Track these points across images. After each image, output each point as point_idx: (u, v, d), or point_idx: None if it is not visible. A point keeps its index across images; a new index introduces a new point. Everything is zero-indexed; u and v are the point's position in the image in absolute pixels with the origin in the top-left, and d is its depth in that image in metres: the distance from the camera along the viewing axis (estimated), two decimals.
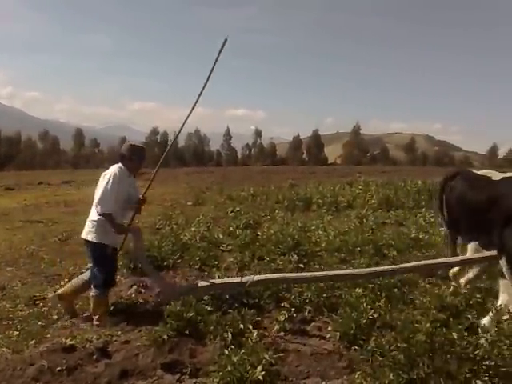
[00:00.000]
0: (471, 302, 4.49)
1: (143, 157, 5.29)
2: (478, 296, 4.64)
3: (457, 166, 62.05)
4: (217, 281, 5.20)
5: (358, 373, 3.52)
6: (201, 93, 5.08)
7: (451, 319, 3.98)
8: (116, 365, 3.90)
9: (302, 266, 6.43)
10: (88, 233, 4.98)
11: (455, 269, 5.24)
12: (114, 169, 5.01)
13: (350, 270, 5.15)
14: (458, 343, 3.53)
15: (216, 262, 6.85)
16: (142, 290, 5.93)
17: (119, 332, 4.60)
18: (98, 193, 4.87)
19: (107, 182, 4.85)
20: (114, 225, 4.87)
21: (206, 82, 5.01)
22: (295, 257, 6.69)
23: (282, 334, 4.61)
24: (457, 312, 4.32)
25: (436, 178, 20.20)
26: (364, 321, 4.30)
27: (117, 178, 4.90)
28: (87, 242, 5.00)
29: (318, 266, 6.28)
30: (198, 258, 6.98)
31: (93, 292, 5.00)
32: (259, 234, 8.41)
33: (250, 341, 4.09)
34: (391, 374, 3.42)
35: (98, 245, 4.92)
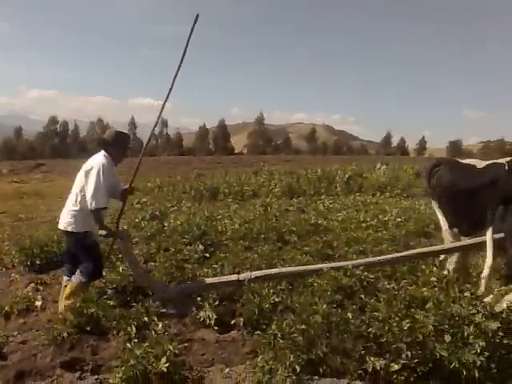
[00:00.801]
0: (365, 284, 4.72)
1: (128, 144, 5.02)
2: (370, 277, 4.89)
3: (355, 155, 65.15)
4: (213, 279, 5.09)
5: (261, 357, 3.58)
6: (174, 79, 4.83)
7: (346, 300, 4.16)
8: (11, 366, 3.68)
9: (207, 255, 6.42)
10: (68, 224, 4.66)
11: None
12: (101, 159, 4.66)
13: (348, 262, 5.16)
14: (352, 322, 3.71)
15: (121, 256, 6.63)
16: (40, 288, 5.61)
17: (15, 332, 4.34)
18: (88, 187, 4.52)
19: (97, 175, 4.51)
20: (102, 224, 4.64)
21: (180, 66, 4.78)
22: (201, 246, 6.67)
23: (187, 322, 4.59)
24: (351, 293, 4.52)
25: (334, 165, 21.13)
26: (266, 305, 4.39)
27: (106, 169, 4.59)
28: (69, 233, 4.70)
29: (223, 255, 6.29)
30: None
31: (78, 278, 4.66)
32: (165, 225, 8.27)
33: (153, 333, 4.02)
34: (291, 356, 3.52)
35: (83, 234, 4.66)
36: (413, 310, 3.70)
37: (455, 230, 5.50)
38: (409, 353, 3.35)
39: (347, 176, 17.04)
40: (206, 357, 4.00)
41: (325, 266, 5.04)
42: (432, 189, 5.85)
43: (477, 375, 3.22)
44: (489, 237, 4.70)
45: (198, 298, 4.82)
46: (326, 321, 3.73)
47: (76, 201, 4.67)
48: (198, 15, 4.70)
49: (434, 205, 5.82)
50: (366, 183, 16.34)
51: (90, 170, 4.58)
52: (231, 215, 9.62)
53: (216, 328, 4.45)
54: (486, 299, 3.77)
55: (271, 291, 4.71)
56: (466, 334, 3.41)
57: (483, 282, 4.52)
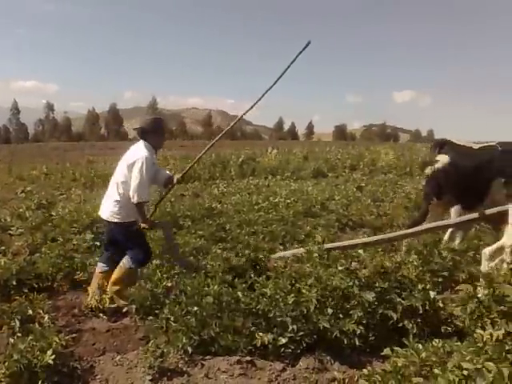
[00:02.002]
0: (254, 264, 4.85)
1: (165, 129, 4.96)
2: (261, 257, 5.02)
3: (249, 139, 66.11)
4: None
5: (152, 341, 3.54)
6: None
7: (237, 279, 4.23)
8: None
9: (98, 243, 6.18)
10: (112, 214, 4.54)
11: None
12: (142, 150, 4.49)
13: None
14: (242, 301, 3.79)
15: (3, 248, 6.17)
16: None
17: None
18: (131, 181, 4.39)
19: (140, 169, 4.37)
20: (144, 217, 4.54)
21: (276, 82, 4.83)
22: (89, 235, 6.40)
23: (77, 313, 4.42)
24: (242, 272, 4.61)
25: (228, 150, 21.33)
26: (159, 290, 4.34)
27: (149, 162, 4.43)
28: (114, 223, 4.56)
29: None
30: None
31: (129, 264, 4.54)
32: (53, 214, 7.82)
33: (38, 326, 3.80)
34: (184, 338, 3.53)
35: (129, 223, 4.54)
36: (297, 285, 3.85)
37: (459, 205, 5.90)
38: (295, 326, 3.49)
39: (241, 160, 17.29)
40: (97, 346, 3.87)
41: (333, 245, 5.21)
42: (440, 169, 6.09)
43: (357, 343, 3.44)
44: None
45: (89, 288, 4.66)
46: (217, 301, 3.77)
47: (119, 192, 4.53)
48: (309, 42, 4.68)
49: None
50: (258, 167, 16.71)
51: (134, 163, 4.42)
52: None
53: (107, 317, 4.33)
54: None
55: (164, 276, 4.66)
56: (345, 305, 3.63)
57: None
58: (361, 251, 4.24)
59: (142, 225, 4.58)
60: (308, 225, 7.28)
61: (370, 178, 14.41)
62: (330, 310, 3.57)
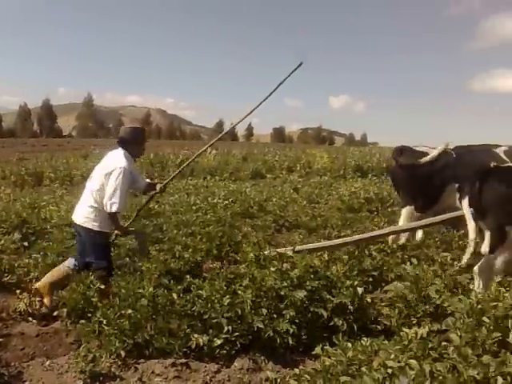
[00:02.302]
0: (192, 265, 4.82)
1: (145, 138, 4.85)
2: (198, 258, 5.01)
3: (188, 139, 65.54)
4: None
5: (84, 345, 3.44)
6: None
7: (174, 282, 4.19)
8: None
9: (26, 244, 5.92)
10: (86, 219, 4.49)
11: None
12: (122, 161, 4.46)
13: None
14: (178, 303, 3.76)
15: None
16: None
17: None
18: (107, 189, 4.35)
19: (117, 179, 4.35)
20: (118, 225, 4.59)
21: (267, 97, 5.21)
22: (16, 235, 6.11)
23: (4, 317, 4.22)
24: (179, 274, 4.58)
25: (167, 150, 21.06)
26: (92, 293, 4.22)
27: (128, 173, 4.43)
28: (85, 229, 4.50)
29: (46, 243, 5.85)
30: None
31: (72, 265, 4.55)
32: None
33: None
34: (117, 342, 3.46)
35: (98, 232, 4.50)
36: (233, 286, 3.86)
37: (412, 207, 6.11)
38: (230, 327, 3.51)
39: (179, 160, 17.11)
40: (26, 351, 3.73)
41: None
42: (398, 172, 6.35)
43: (290, 342, 3.50)
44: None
45: (18, 291, 4.46)
46: (152, 303, 3.72)
47: (95, 200, 4.49)
48: (301, 63, 4.99)
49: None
50: (197, 167, 16.58)
51: (111, 172, 4.39)
52: (57, 201, 9.00)
53: (37, 321, 4.18)
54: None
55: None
56: (279, 305, 3.69)
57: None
58: (290, 252, 4.30)
59: (116, 232, 4.65)
60: (245, 226, 7.31)
61: (306, 179, 14.65)
62: (264, 311, 3.62)
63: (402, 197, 6.43)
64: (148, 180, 5.01)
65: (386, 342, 2.84)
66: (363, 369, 2.37)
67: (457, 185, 5.81)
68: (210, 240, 6.34)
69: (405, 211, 6.21)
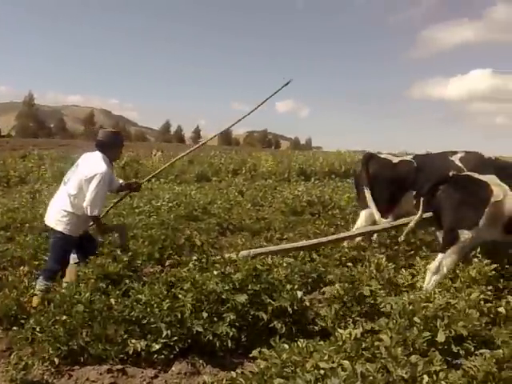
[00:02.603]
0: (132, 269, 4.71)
1: (123, 143, 4.84)
2: (138, 262, 4.90)
3: (133, 141, 64.26)
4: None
5: (15, 353, 3.29)
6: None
7: (112, 287, 4.07)
8: None
9: None
10: (58, 222, 4.42)
11: None
12: (102, 165, 4.39)
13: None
14: (115, 308, 3.66)
15: None
16: None
17: None
18: (89, 194, 4.29)
19: (99, 183, 4.29)
20: (100, 226, 4.61)
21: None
22: None
23: None
24: (118, 278, 4.45)
25: None
26: (25, 299, 4.04)
27: (107, 177, 4.40)
28: (55, 231, 4.43)
29: None
30: None
31: (43, 285, 4.28)
32: None
33: None
34: (50, 349, 3.33)
35: (68, 236, 4.44)
36: (173, 290, 3.81)
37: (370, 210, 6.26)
38: (169, 332, 3.45)
39: (123, 162, 16.74)
40: None
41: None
42: (364, 177, 6.38)
43: (230, 345, 3.49)
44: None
45: None
46: (88, 309, 3.60)
47: (72, 204, 4.42)
48: (290, 81, 5.54)
49: (366, 190, 6.28)
50: (142, 169, 16.30)
51: (92, 177, 4.31)
52: None
53: None
54: None
55: (32, 284, 4.36)
56: (220, 308, 3.67)
57: None
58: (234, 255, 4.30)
59: (97, 230, 4.70)
60: (189, 229, 7.24)
61: (252, 182, 14.73)
62: (205, 314, 3.58)
63: (362, 200, 6.57)
64: (121, 180, 5.06)
65: (322, 342, 2.88)
66: (297, 370, 2.39)
67: (414, 192, 6.11)
68: (153, 243, 6.24)
69: (363, 213, 6.44)
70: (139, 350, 3.37)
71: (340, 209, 9.02)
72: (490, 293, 3.79)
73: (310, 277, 4.89)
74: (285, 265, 4.53)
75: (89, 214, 4.34)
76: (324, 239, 5.72)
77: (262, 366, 2.56)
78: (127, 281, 4.19)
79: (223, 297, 3.67)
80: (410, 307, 3.02)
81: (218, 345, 3.48)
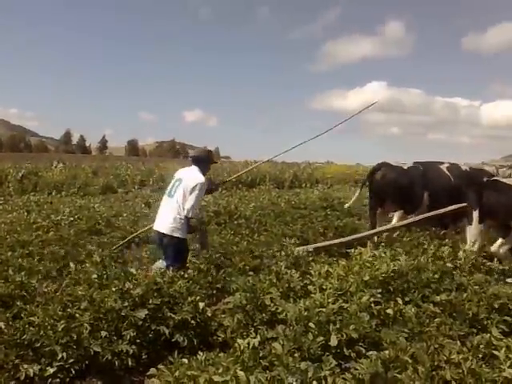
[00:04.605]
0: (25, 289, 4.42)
1: (213, 159, 5.87)
2: (32, 282, 4.61)
3: (34, 151, 60.74)
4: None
5: None
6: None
7: (3, 309, 3.79)
8: None
9: None
10: (173, 229, 5.17)
11: None
12: (200, 176, 5.29)
13: None
14: (5, 332, 3.40)
15: None
16: None
17: None
18: (190, 199, 5.13)
19: (200, 191, 5.19)
20: (191, 226, 5.26)
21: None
22: None
23: None
24: (9, 300, 4.15)
25: (8, 163, 19.21)
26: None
27: (205, 186, 5.32)
28: (172, 237, 5.17)
29: None
30: None
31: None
32: None
33: None
34: None
35: (183, 240, 5.27)
36: (69, 310, 3.62)
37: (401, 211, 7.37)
38: (65, 354, 3.27)
39: (21, 175, 15.75)
40: None
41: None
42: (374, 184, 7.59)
43: (130, 363, 3.37)
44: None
45: None
46: None
47: (179, 211, 5.18)
48: (376, 102, 7.31)
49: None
50: (41, 182, 15.45)
51: (195, 186, 5.15)
52: None
53: None
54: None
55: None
56: (119, 326, 3.54)
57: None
58: (133, 270, 4.18)
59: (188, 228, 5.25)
60: (91, 243, 6.94)
61: (159, 193, 14.42)
62: (103, 333, 3.44)
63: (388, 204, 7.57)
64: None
65: (222, 354, 2.88)
66: None
67: (427, 193, 7.26)
68: (51, 260, 5.91)
69: (396, 214, 7.43)
70: (32, 375, 3.15)
71: (245, 218, 9.13)
72: (379, 295, 3.99)
73: (214, 287, 4.89)
74: (186, 276, 4.49)
75: (189, 215, 5.14)
76: (361, 234, 6.90)
77: None
78: (19, 302, 3.92)
79: (122, 314, 3.55)
80: (305, 313, 3.11)
81: (117, 364, 3.35)
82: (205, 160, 5.50)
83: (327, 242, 6.65)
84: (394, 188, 7.38)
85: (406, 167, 7.55)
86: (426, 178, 7.35)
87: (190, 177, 5.29)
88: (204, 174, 5.38)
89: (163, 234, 5.21)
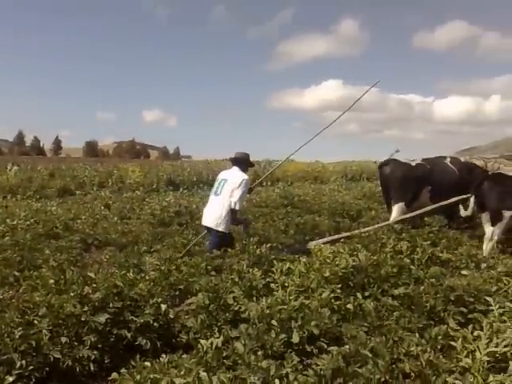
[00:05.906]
0: None
1: (251, 162, 6.51)
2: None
3: None
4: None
5: None
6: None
7: None
8: None
9: None
10: (220, 224, 5.90)
11: None
12: (243, 174, 6.04)
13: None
14: None
15: None
16: None
17: None
18: (236, 194, 5.84)
19: (245, 187, 5.95)
20: (236, 218, 6.03)
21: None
22: None
23: None
24: None
25: None
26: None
27: (249, 183, 6.14)
28: (217, 231, 5.92)
29: None
30: None
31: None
32: None
33: None
34: None
35: (226, 234, 5.99)
36: (27, 317, 3.52)
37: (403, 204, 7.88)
38: (23, 361, 3.18)
39: None
40: None
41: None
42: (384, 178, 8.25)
43: (92, 368, 3.31)
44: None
45: None
46: None
47: (226, 207, 5.85)
48: (378, 81, 7.35)
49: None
50: None
51: (241, 183, 5.89)
52: None
53: None
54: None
55: None
56: (80, 331, 3.47)
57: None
58: (92, 274, 4.09)
59: (234, 219, 5.99)
60: (48, 248, 6.75)
61: (119, 195, 14.24)
62: (63, 339, 3.36)
63: (392, 195, 8.07)
64: None
65: (185, 355, 2.87)
66: None
67: (430, 187, 7.91)
68: (7, 266, 5.73)
69: (396, 206, 7.91)
70: None
71: None
72: (340, 291, 4.06)
73: (176, 288, 4.85)
74: (148, 278, 4.44)
75: (236, 207, 5.84)
76: (372, 227, 7.22)
77: None
78: None
79: (82, 319, 3.48)
80: (268, 311, 3.13)
81: (78, 370, 3.29)
82: (244, 162, 6.23)
83: (336, 236, 7.10)
84: (398, 181, 8.00)
85: (413, 164, 8.16)
86: (429, 174, 7.96)
87: (235, 175, 6.04)
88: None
89: (210, 228, 6.00)
